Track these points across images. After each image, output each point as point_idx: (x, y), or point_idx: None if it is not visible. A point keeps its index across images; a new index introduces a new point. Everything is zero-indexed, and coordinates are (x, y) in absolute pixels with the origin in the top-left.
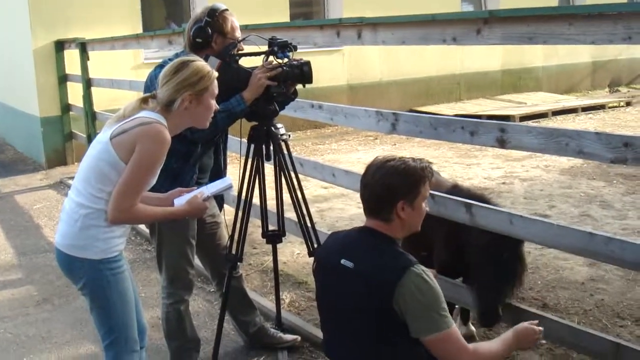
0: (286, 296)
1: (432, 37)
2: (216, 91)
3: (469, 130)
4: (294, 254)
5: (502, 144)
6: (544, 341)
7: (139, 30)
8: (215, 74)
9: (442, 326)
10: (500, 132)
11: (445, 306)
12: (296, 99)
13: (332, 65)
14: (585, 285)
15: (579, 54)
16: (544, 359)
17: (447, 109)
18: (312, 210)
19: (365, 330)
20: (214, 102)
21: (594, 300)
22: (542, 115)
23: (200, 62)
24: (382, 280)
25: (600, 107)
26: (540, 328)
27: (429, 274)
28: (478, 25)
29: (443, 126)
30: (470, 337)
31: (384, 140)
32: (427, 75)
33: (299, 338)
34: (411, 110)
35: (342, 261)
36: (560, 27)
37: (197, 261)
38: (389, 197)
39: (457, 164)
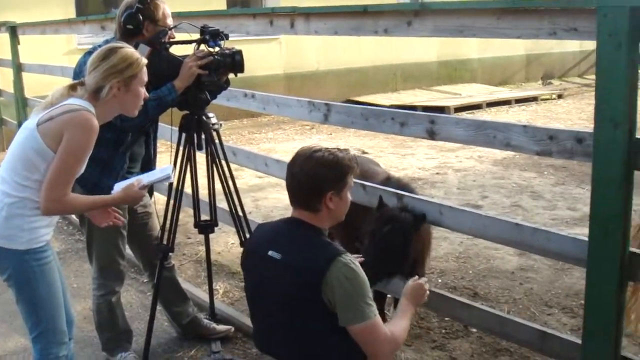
0: (220, 286)
1: (364, 28)
2: (145, 79)
3: (399, 121)
4: (228, 244)
5: (431, 135)
6: (474, 329)
7: (72, 14)
8: (145, 61)
9: (369, 315)
10: (430, 124)
11: (371, 295)
12: (229, 88)
13: (269, 55)
14: (515, 275)
15: (513, 47)
16: (474, 347)
17: (383, 99)
18: (247, 199)
19: (295, 321)
20: (143, 90)
21: (524, 289)
22: (476, 107)
23: (129, 49)
24: (309, 270)
25: (533, 99)
26: (424, 279)
27: (356, 263)
28: (409, 17)
29: (374, 117)
30: None
31: (321, 129)
32: (363, 65)
33: (232, 329)
34: (347, 100)
35: (270, 253)
36: (489, 20)
37: (129, 252)
38: (318, 189)
39: (392, 154)
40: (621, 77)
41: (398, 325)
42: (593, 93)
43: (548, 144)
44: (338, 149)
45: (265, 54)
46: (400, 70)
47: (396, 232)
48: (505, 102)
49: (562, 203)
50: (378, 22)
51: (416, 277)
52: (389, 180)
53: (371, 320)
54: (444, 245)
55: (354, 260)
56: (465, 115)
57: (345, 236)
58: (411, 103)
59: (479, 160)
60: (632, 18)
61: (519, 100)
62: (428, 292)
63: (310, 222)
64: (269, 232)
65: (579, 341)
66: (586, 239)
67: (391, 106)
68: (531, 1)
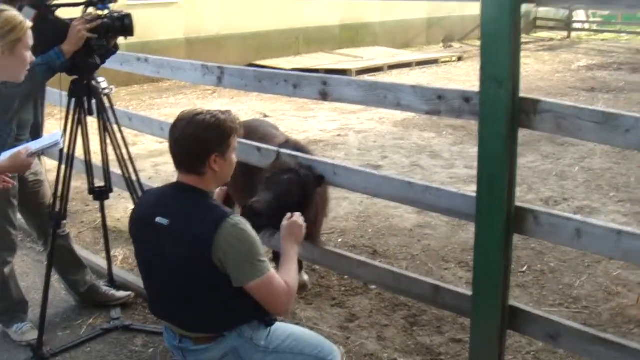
0: (119, 253)
1: None
2: (31, 42)
3: (292, 83)
4: (127, 209)
5: (324, 96)
6: (373, 286)
7: None
8: (29, 24)
9: (263, 271)
10: (322, 85)
11: (263, 252)
12: (122, 52)
13: (169, 19)
14: (414, 232)
15: (414, 10)
16: (373, 303)
17: (286, 63)
18: (147, 165)
19: (188, 285)
20: (29, 54)
21: (421, 245)
22: (378, 69)
23: (12, 12)
24: (198, 234)
25: (434, 61)
26: (297, 214)
27: (245, 222)
28: None
29: (267, 79)
30: (302, 286)
31: (223, 93)
32: (265, 29)
33: (132, 294)
34: (250, 65)
35: (158, 219)
36: None
37: (23, 222)
38: (202, 151)
39: (294, 117)
40: (504, 38)
41: (287, 271)
42: None
43: (437, 103)
44: (220, 111)
45: (164, 18)
46: (302, 34)
47: (296, 183)
48: (407, 65)
49: (460, 162)
50: None
51: (288, 214)
52: (286, 143)
53: (265, 275)
54: (344, 205)
55: (242, 221)
56: (367, 77)
57: (244, 198)
58: (313, 67)
59: (379, 121)
60: None
61: (420, 63)
62: (304, 225)
63: (196, 185)
64: (155, 198)
65: (470, 293)
66: (474, 194)
67: (293, 70)
68: None
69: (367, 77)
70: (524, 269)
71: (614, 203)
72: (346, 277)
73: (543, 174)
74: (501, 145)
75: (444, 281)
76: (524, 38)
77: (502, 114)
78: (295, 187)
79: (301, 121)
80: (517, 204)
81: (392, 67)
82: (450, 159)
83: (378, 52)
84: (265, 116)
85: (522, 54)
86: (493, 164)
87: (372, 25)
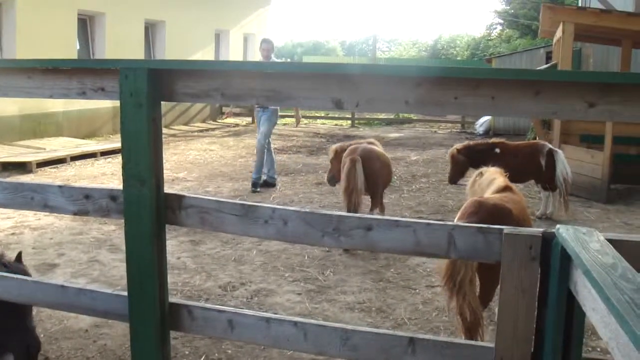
0: None
1: None
2: None
3: None
4: None
5: None
6: None
7: None
8: None
9: None
10: None
11: None
12: None
13: None
14: (89, 332)
15: (99, 100)
16: None
17: None
18: None
19: None
20: None
21: (97, 346)
22: (61, 161)
23: None
24: None
25: (120, 150)
26: None
27: None
28: None
29: None
30: None
31: None
32: None
33: None
34: None
35: None
36: (20, 80)
37: None
38: None
39: None
40: (144, 136)
41: None
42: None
43: (84, 203)
44: None
45: None
46: None
47: None
48: (92, 155)
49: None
50: None
51: None
52: None
53: None
54: None
55: None
56: (48, 170)
57: None
58: None
59: (57, 217)
60: (151, 79)
61: (105, 153)
62: None
63: None
64: None
65: None
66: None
67: None
68: (62, 61)
69: (11, 179)
70: (202, 359)
71: (289, 283)
72: None
73: (222, 259)
74: (147, 244)
75: None
76: (211, 124)
77: (146, 212)
78: None
79: None
80: (171, 299)
81: (75, 157)
82: None
83: (62, 143)
84: None
85: (208, 140)
86: (141, 263)
87: (55, 115)
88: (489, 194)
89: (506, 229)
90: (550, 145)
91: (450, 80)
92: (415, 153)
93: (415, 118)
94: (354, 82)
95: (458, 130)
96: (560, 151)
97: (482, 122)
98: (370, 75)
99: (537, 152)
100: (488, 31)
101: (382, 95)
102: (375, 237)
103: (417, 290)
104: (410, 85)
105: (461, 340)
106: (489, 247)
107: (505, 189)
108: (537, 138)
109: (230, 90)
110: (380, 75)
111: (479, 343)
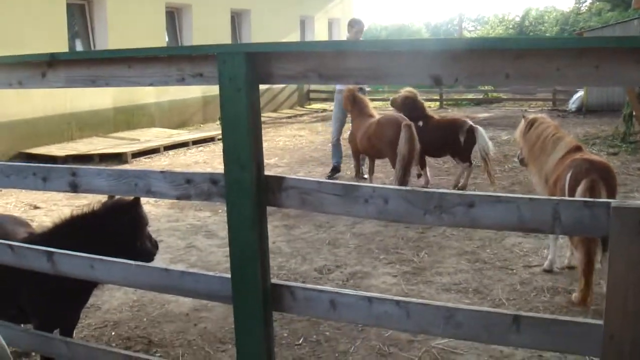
0: None
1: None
2: None
3: (41, 176)
4: None
5: (74, 188)
6: None
7: None
8: None
9: None
10: (72, 177)
11: None
12: None
13: None
14: (190, 316)
15: (189, 90)
16: None
17: (58, 150)
18: None
19: None
20: None
21: (198, 329)
22: (154, 151)
23: None
24: None
25: (211, 139)
26: None
27: None
28: (43, 68)
29: (15, 173)
30: None
31: None
32: (33, 116)
33: None
34: (19, 153)
35: None
36: (120, 69)
37: None
38: None
39: (67, 207)
40: (243, 119)
41: None
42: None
43: (186, 187)
44: None
45: None
46: (74, 119)
47: None
48: (184, 144)
49: None
50: (12, 74)
51: None
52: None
53: None
54: (117, 295)
55: None
56: (143, 160)
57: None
58: (88, 152)
59: (155, 204)
60: (248, 62)
61: (197, 142)
62: None
63: None
64: None
65: None
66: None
67: (67, 156)
68: (159, 49)
69: (117, 166)
70: (300, 341)
71: (384, 265)
72: None
73: (316, 243)
74: (250, 226)
75: None
76: (299, 110)
77: (247, 196)
78: None
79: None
80: (273, 281)
81: (168, 147)
82: (227, 238)
83: (154, 133)
84: (36, 207)
85: (297, 125)
86: (243, 245)
87: (147, 107)
88: (562, 151)
89: (614, 202)
90: (471, 122)
91: (552, 51)
92: (506, 132)
93: (505, 97)
94: (453, 57)
95: (549, 108)
96: (480, 128)
97: (575, 98)
98: (471, 49)
99: (456, 129)
100: (577, 5)
101: (483, 69)
102: (478, 214)
103: (514, 271)
104: (510, 57)
105: (567, 317)
106: (596, 222)
107: (577, 148)
108: (634, 113)
109: (327, 71)
110: (482, 48)
111: (587, 320)
